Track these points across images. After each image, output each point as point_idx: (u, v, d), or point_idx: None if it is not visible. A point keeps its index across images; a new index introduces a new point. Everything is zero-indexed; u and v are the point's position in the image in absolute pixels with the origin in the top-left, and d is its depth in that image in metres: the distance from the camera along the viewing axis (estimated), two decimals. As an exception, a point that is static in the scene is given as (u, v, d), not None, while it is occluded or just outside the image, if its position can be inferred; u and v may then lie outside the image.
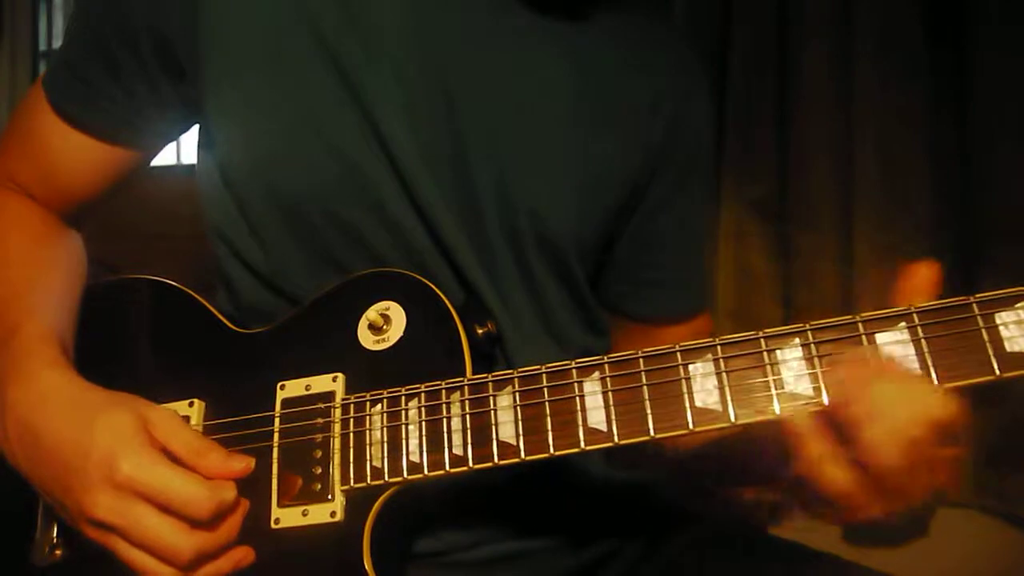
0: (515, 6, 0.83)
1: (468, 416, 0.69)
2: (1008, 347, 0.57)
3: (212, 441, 0.72)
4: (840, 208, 1.60)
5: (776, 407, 0.61)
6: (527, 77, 0.83)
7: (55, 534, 0.79)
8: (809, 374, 0.61)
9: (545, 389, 0.67)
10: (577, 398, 0.66)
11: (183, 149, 2.18)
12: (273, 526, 0.72)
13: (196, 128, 0.89)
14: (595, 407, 0.65)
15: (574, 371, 0.67)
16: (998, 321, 0.58)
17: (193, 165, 0.90)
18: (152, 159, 0.93)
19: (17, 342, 0.74)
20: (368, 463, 0.71)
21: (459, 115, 0.81)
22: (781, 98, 1.66)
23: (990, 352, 0.57)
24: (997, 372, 0.57)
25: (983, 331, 0.58)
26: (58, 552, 0.78)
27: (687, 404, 0.63)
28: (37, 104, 0.86)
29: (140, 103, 0.84)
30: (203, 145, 0.88)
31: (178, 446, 0.69)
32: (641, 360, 0.65)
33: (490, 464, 0.67)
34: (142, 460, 0.65)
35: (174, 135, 0.92)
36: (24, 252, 0.85)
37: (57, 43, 2.21)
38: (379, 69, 0.79)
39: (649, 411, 0.64)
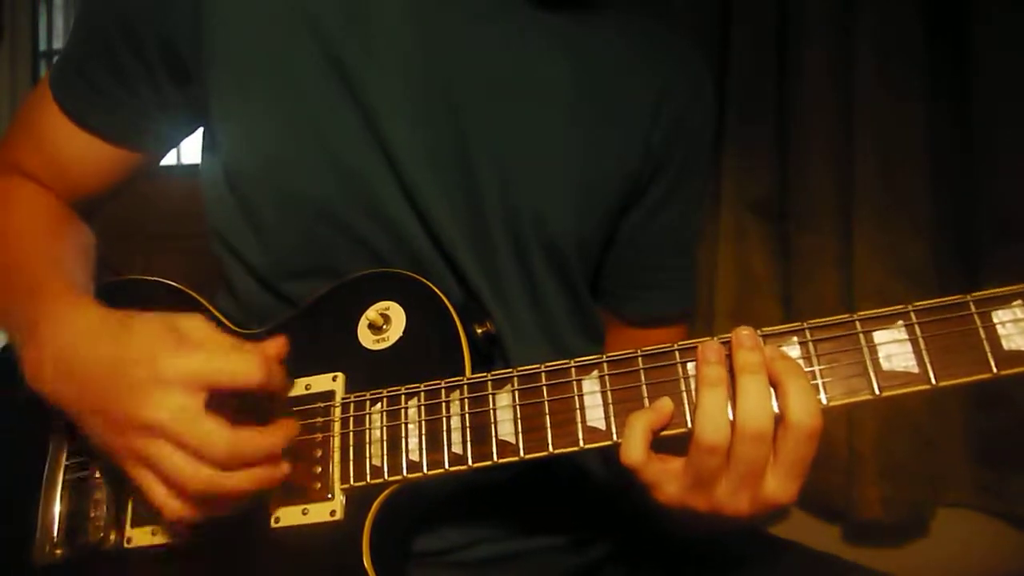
0: (516, 6, 0.83)
1: (467, 415, 0.69)
2: (1005, 345, 0.58)
3: (242, 340, 0.70)
4: (840, 208, 1.60)
5: (774, 405, 0.61)
6: (528, 77, 0.83)
7: (56, 534, 0.79)
8: (807, 372, 0.61)
9: (544, 388, 0.67)
10: (576, 397, 0.66)
11: (184, 150, 2.18)
12: (273, 525, 0.72)
13: (199, 130, 0.90)
14: (594, 406, 0.65)
15: (573, 370, 0.67)
16: (995, 319, 0.58)
17: (194, 166, 0.90)
18: (160, 159, 0.93)
19: (42, 294, 0.74)
20: (368, 462, 0.71)
21: (462, 116, 0.81)
22: (781, 98, 1.66)
23: (987, 350, 0.58)
24: (994, 370, 0.58)
25: (980, 329, 0.58)
26: (58, 551, 0.78)
27: (686, 403, 0.63)
28: (44, 101, 0.87)
29: (146, 106, 0.85)
30: (206, 147, 0.88)
31: (212, 344, 0.67)
32: (640, 359, 0.65)
33: (489, 463, 0.67)
34: (181, 350, 0.64)
35: (180, 137, 0.92)
36: (46, 227, 0.85)
37: (57, 43, 2.22)
38: (381, 70, 0.79)
39: (648, 410, 0.64)
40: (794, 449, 0.60)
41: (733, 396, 0.61)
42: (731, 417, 0.61)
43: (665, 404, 0.63)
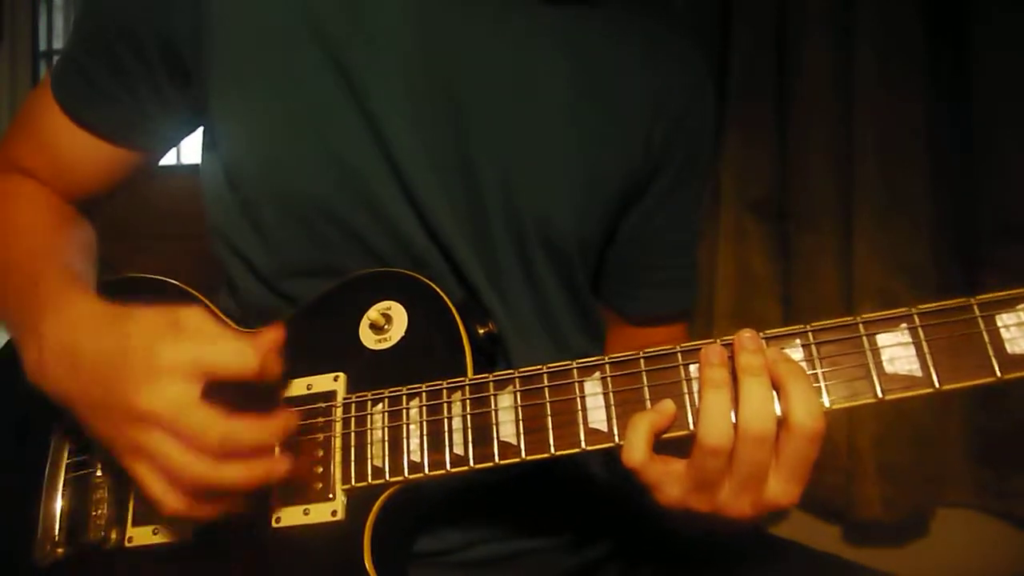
0: (516, 6, 0.83)
1: (469, 416, 0.69)
2: (1009, 349, 0.58)
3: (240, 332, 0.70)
4: (840, 208, 1.60)
5: (777, 407, 0.61)
6: (529, 77, 0.83)
7: (57, 533, 0.79)
8: (810, 375, 0.61)
9: (546, 389, 0.67)
10: (578, 398, 0.66)
11: (184, 150, 2.17)
12: (274, 525, 0.72)
13: (200, 129, 0.90)
14: (596, 407, 0.65)
15: (575, 371, 0.67)
16: (999, 323, 0.58)
17: (194, 166, 0.90)
18: (160, 159, 0.94)
19: (44, 284, 0.74)
20: (369, 462, 0.71)
21: (462, 116, 0.81)
22: (781, 98, 1.66)
23: (991, 353, 0.58)
24: (998, 374, 0.57)
25: (984, 333, 0.58)
26: (59, 550, 0.78)
27: (688, 405, 0.63)
28: (45, 100, 0.87)
29: (146, 106, 0.85)
30: (207, 146, 0.88)
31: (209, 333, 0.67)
32: (642, 360, 0.65)
33: (491, 464, 0.67)
34: (179, 341, 0.65)
35: (180, 137, 0.92)
36: (47, 224, 0.85)
37: (57, 43, 2.21)
38: (381, 70, 0.79)
39: (650, 412, 0.64)
40: (796, 451, 0.60)
41: (736, 399, 0.61)
42: (734, 420, 0.61)
43: (667, 406, 0.63)
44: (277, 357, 0.69)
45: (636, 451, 0.62)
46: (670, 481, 0.63)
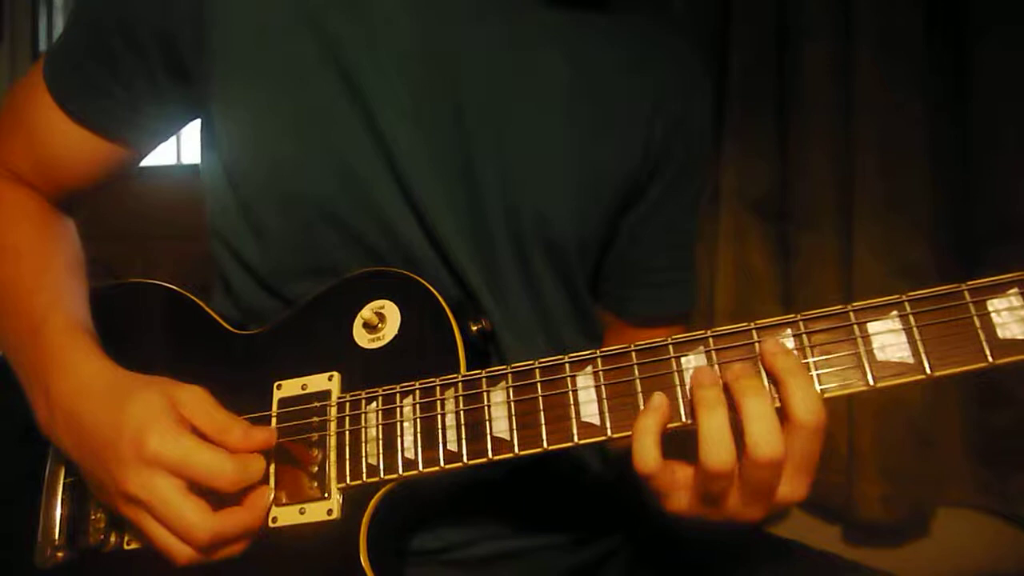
0: (516, 6, 0.83)
1: (462, 412, 0.69)
2: (1000, 334, 0.57)
3: (235, 417, 0.72)
4: (840, 208, 1.60)
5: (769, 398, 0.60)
6: (527, 78, 0.83)
7: (57, 536, 0.79)
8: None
9: (538, 384, 0.67)
10: (570, 392, 0.66)
11: (183, 149, 2.18)
12: (270, 524, 0.72)
13: (200, 129, 0.89)
14: (588, 401, 0.65)
15: (567, 365, 0.67)
16: (990, 308, 0.58)
17: (194, 166, 0.90)
18: (146, 156, 0.93)
19: (47, 334, 0.76)
20: (364, 461, 0.71)
21: (463, 116, 0.81)
22: (781, 98, 1.66)
23: (982, 339, 0.57)
24: (990, 359, 0.57)
25: (975, 318, 0.58)
26: (60, 554, 0.79)
27: (680, 397, 0.63)
28: (36, 93, 0.86)
29: (142, 102, 0.84)
30: (206, 145, 0.88)
31: (203, 422, 0.70)
32: (634, 353, 0.65)
33: (484, 460, 0.67)
34: (168, 436, 0.67)
35: (172, 133, 0.92)
36: (32, 243, 0.86)
37: (58, 44, 2.21)
38: (382, 71, 0.79)
39: (642, 404, 0.64)
40: (802, 447, 0.59)
41: (737, 414, 0.59)
42: (733, 436, 0.59)
43: (659, 400, 0.62)
44: (261, 463, 0.71)
45: (648, 457, 0.61)
46: (678, 490, 0.62)
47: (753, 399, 0.59)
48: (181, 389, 0.71)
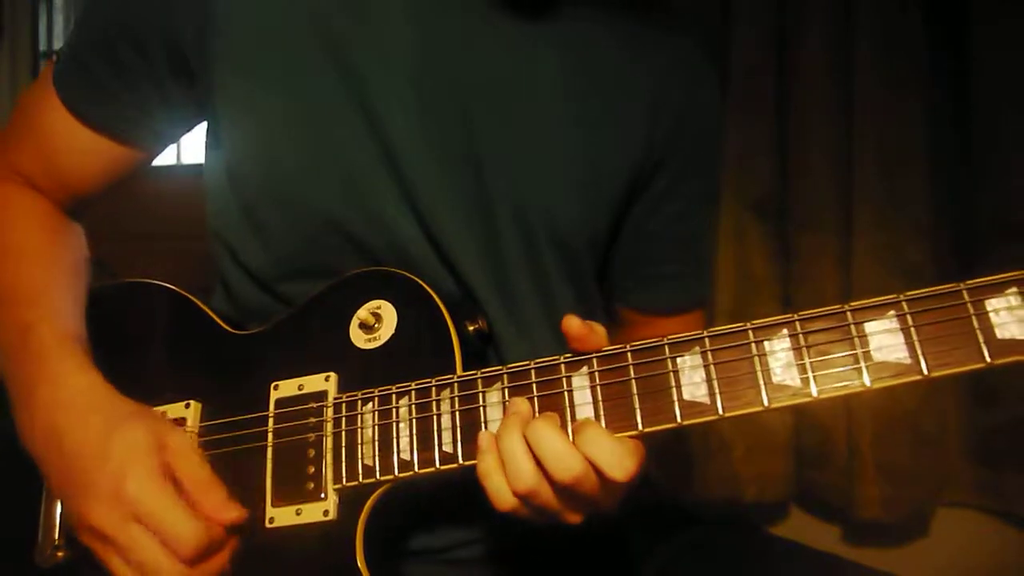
0: (517, 6, 0.83)
1: (458, 413, 0.69)
2: (999, 334, 0.57)
3: (216, 479, 0.72)
4: (840, 208, 1.59)
5: (765, 399, 0.61)
6: (528, 77, 0.83)
7: (57, 536, 0.79)
8: (797, 365, 0.61)
9: (534, 384, 0.67)
10: (565, 393, 0.66)
11: (184, 150, 2.17)
12: (267, 525, 0.73)
13: (202, 129, 0.90)
14: (583, 402, 0.65)
15: (563, 366, 0.67)
16: (988, 308, 0.57)
17: (194, 166, 0.90)
18: (155, 158, 0.94)
19: (37, 342, 0.76)
20: (360, 461, 0.71)
21: (467, 117, 0.81)
22: (781, 98, 1.66)
23: (980, 339, 0.57)
24: (988, 360, 0.56)
25: (973, 318, 0.57)
26: (60, 554, 0.79)
27: (675, 397, 0.63)
28: (45, 97, 0.87)
29: (149, 104, 0.85)
30: (210, 146, 0.88)
31: (186, 474, 0.70)
32: (629, 354, 0.65)
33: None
34: (147, 485, 0.67)
35: (179, 135, 0.93)
36: (37, 247, 0.86)
37: (57, 43, 2.20)
38: (387, 72, 0.79)
39: (637, 405, 0.64)
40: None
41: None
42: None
43: (488, 440, 0.65)
44: (225, 554, 0.71)
45: (505, 496, 0.65)
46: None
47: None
48: (170, 432, 0.72)
